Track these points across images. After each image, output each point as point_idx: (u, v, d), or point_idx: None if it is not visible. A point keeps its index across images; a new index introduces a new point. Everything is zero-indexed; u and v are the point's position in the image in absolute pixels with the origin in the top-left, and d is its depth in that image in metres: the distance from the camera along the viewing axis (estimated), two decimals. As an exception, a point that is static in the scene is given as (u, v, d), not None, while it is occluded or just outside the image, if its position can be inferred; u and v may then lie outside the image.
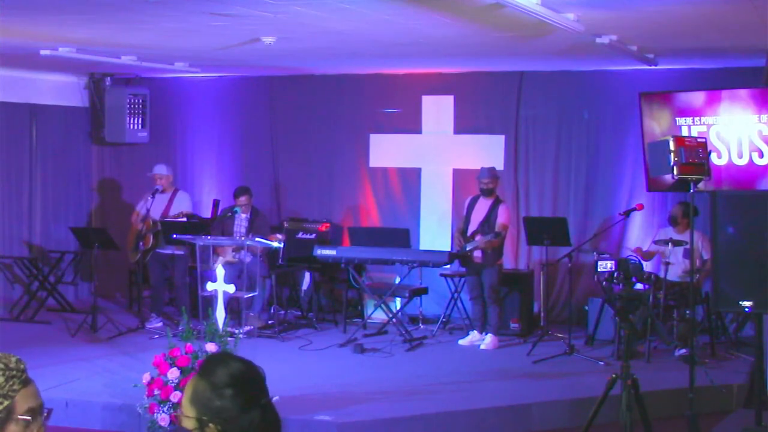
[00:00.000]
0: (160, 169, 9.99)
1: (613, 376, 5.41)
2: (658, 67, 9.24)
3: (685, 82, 9.47)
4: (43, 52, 8.46)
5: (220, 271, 7.34)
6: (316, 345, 8.97)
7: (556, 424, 6.99)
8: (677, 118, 9.18)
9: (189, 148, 11.59)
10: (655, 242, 8.93)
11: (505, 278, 9.25)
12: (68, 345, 8.90)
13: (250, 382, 2.26)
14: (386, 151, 10.79)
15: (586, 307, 9.34)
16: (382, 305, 9.45)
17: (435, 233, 10.53)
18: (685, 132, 9.01)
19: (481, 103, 10.46)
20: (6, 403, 2.20)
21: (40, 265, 10.85)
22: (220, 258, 9.12)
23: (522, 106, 10.30)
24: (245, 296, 8.98)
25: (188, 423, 2.25)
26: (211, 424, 2.21)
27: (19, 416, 2.22)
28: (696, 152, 6.48)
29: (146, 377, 6.11)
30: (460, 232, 9.16)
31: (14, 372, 2.23)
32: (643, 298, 8.15)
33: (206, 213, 10.88)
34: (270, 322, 9.60)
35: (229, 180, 11.13)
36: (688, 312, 8.11)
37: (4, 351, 2.32)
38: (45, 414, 2.28)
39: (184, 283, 9.96)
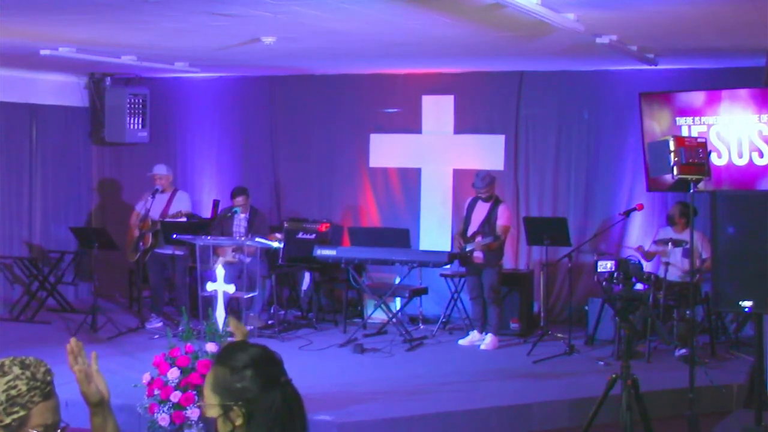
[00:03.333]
0: (160, 169, 9.99)
1: (613, 376, 5.40)
2: (658, 67, 9.23)
3: (685, 82, 9.47)
4: (43, 52, 8.46)
5: (220, 271, 7.34)
6: (316, 345, 8.97)
7: (556, 424, 6.99)
8: (677, 118, 9.18)
9: (189, 148, 11.59)
10: (656, 242, 8.94)
11: (505, 278, 9.25)
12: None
13: (268, 362, 2.34)
14: (386, 151, 10.79)
15: (586, 307, 9.33)
16: (382, 305, 9.45)
17: (435, 233, 10.52)
18: (685, 132, 9.01)
19: (481, 103, 10.46)
20: (22, 413, 2.19)
21: (40, 265, 10.85)
22: (220, 258, 9.11)
23: (522, 106, 10.30)
24: (245, 296, 8.97)
25: (212, 411, 2.30)
26: (235, 408, 2.26)
27: (30, 429, 2.21)
28: (696, 152, 6.48)
29: (146, 377, 6.11)
30: (460, 234, 9.17)
31: (38, 383, 2.23)
32: (643, 298, 8.15)
33: (206, 213, 10.88)
34: (270, 322, 9.60)
35: (229, 180, 11.12)
36: (688, 312, 8.11)
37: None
38: (59, 430, 2.27)
39: (184, 283, 9.96)
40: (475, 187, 9.04)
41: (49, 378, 2.26)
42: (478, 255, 8.93)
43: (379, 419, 6.64)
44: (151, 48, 8.42)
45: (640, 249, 8.95)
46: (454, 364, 8.35)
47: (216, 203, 10.84)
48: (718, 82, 9.21)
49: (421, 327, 9.81)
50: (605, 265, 5.89)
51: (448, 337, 9.43)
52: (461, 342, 9.15)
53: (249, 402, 2.26)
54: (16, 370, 2.22)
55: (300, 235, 10.04)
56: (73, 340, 2.47)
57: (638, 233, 9.73)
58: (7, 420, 2.18)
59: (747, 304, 5.80)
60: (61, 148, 11.41)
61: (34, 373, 2.24)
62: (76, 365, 2.43)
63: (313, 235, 10.00)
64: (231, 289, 7.35)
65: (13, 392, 2.19)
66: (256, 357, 2.32)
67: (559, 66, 9.85)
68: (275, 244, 9.35)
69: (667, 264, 8.50)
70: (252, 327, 9.20)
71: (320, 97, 11.01)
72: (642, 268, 6.74)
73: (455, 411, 6.85)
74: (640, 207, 8.99)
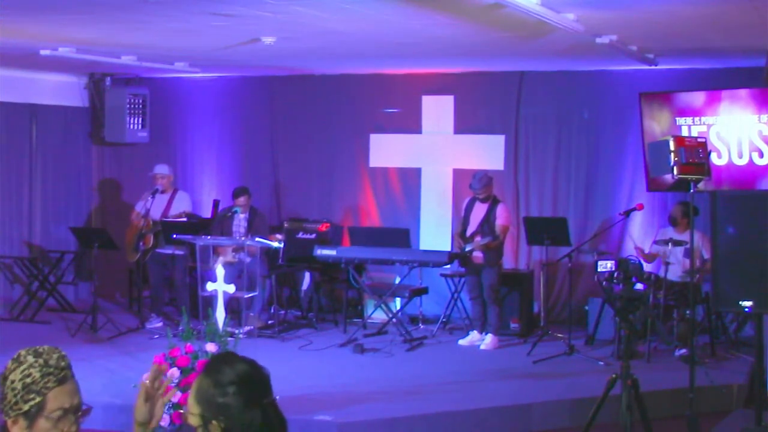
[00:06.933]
0: (161, 169, 9.99)
1: (613, 376, 5.41)
2: (658, 67, 9.23)
3: (685, 82, 9.47)
4: (43, 52, 8.46)
5: (220, 271, 7.34)
6: (316, 345, 8.97)
7: (556, 424, 6.99)
8: (677, 118, 9.18)
9: (189, 148, 11.59)
10: (656, 242, 8.93)
11: (505, 278, 9.25)
12: (68, 345, 8.88)
13: (253, 381, 2.34)
14: (386, 151, 10.79)
15: (586, 307, 9.34)
16: (382, 305, 9.45)
17: (435, 233, 10.52)
18: (685, 132, 9.02)
19: (481, 103, 10.46)
20: (38, 399, 2.27)
21: (40, 265, 10.85)
22: (220, 258, 9.12)
23: (522, 106, 10.30)
24: (245, 296, 8.98)
25: (193, 420, 2.33)
26: (214, 421, 2.29)
27: (48, 414, 2.25)
28: (696, 152, 6.49)
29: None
30: (459, 235, 9.17)
31: (52, 369, 2.31)
32: (643, 298, 8.15)
33: (206, 213, 10.88)
34: (270, 322, 9.60)
35: (229, 180, 11.12)
36: (688, 312, 8.11)
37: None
38: (80, 413, 2.31)
39: (184, 283, 9.96)
40: (472, 188, 9.04)
41: (63, 363, 2.33)
42: (477, 255, 8.93)
43: (379, 419, 6.64)
44: (151, 48, 8.42)
45: (639, 251, 8.90)
46: (454, 364, 8.35)
47: (216, 203, 10.84)
48: (718, 82, 9.21)
49: (421, 327, 9.81)
50: (605, 265, 5.89)
51: (448, 337, 9.43)
52: (461, 342, 9.15)
53: (228, 419, 2.28)
54: (30, 359, 2.30)
55: (300, 235, 10.04)
56: (164, 367, 2.61)
57: (638, 233, 9.72)
58: (26, 407, 2.26)
59: (747, 304, 5.80)
60: (61, 148, 11.41)
61: (47, 360, 2.31)
62: (149, 383, 2.53)
63: (313, 235, 10.00)
64: (231, 289, 7.36)
65: (28, 380, 2.27)
66: (242, 374, 2.32)
67: (559, 66, 9.85)
68: (275, 244, 9.36)
69: (668, 264, 8.49)
70: (252, 327, 9.22)
71: (320, 97, 11.01)
72: (642, 267, 6.74)
73: (455, 411, 6.85)
74: (640, 207, 8.98)
